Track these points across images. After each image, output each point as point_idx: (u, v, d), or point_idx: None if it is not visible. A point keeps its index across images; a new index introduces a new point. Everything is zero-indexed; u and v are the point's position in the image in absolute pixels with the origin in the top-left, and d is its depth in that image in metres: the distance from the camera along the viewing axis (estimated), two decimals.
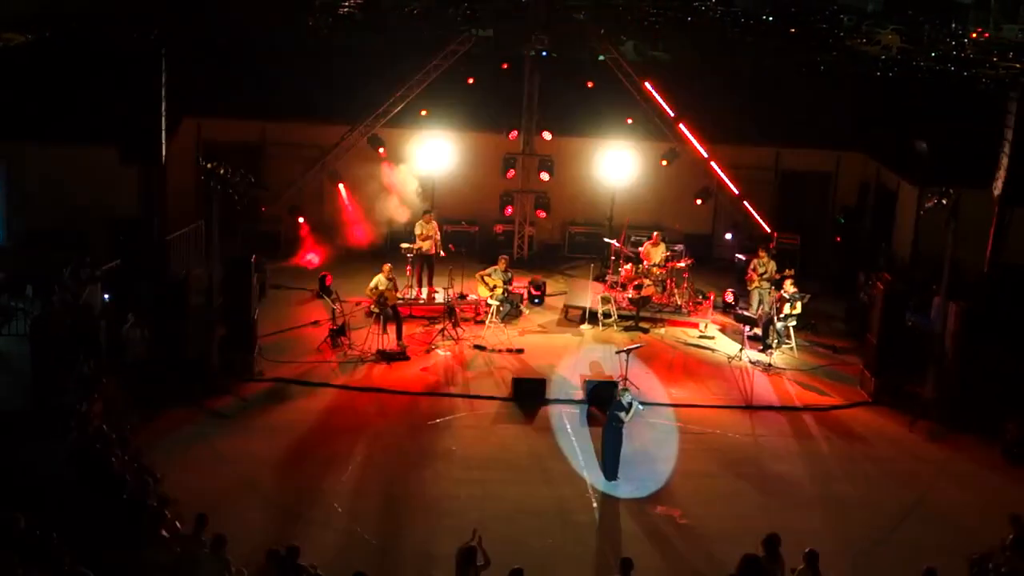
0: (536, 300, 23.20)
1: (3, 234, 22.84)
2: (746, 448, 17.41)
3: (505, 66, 25.84)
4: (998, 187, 18.42)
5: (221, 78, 26.33)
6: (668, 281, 22.81)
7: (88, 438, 13.62)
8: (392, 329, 20.23)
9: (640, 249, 23.13)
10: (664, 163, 25.67)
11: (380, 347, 19.95)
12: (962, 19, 65.37)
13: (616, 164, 24.61)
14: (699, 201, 26.12)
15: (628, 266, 22.82)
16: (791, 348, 21.15)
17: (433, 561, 13.54)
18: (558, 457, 16.71)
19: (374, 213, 24.70)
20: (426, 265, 22.18)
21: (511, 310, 22.25)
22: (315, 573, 11.64)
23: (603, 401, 17.51)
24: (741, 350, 20.80)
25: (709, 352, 21.15)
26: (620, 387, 16.76)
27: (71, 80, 24.58)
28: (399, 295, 21.02)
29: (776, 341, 20.97)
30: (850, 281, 23.21)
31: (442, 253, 22.14)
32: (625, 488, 15.76)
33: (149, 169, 18.40)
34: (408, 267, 22.22)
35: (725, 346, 21.35)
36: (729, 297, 23.30)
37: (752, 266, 22.33)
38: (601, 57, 26.27)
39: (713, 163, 25.63)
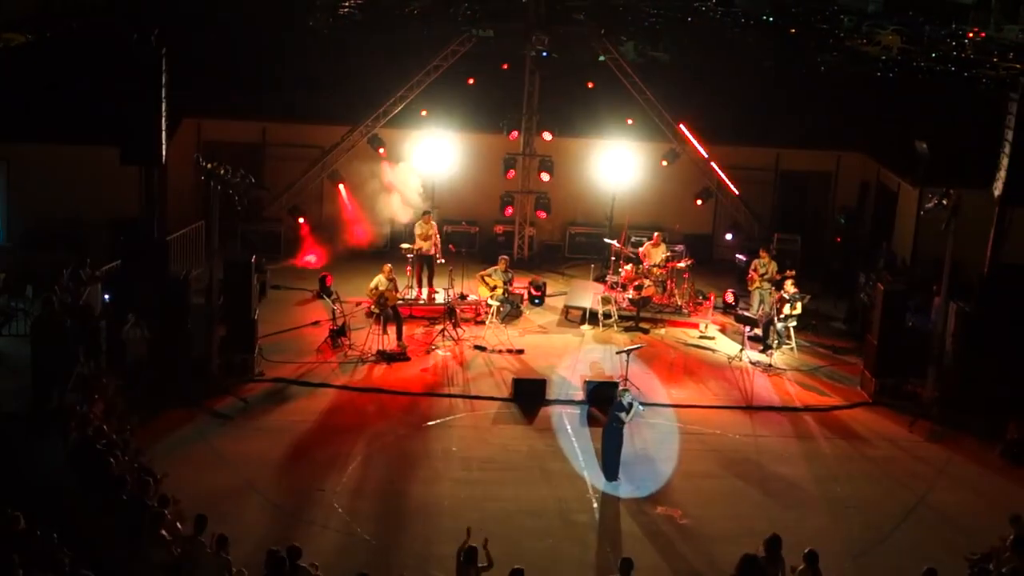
0: (536, 301, 23.20)
1: (3, 234, 22.86)
2: (746, 448, 17.41)
3: (505, 66, 25.84)
4: (998, 187, 18.40)
5: (221, 78, 26.36)
6: (668, 282, 22.80)
7: (88, 438, 13.61)
8: (392, 329, 20.23)
9: (640, 249, 23.12)
10: (664, 163, 25.67)
11: (380, 347, 19.94)
12: (962, 19, 65.43)
13: (616, 164, 24.58)
14: (699, 201, 26.12)
15: (628, 266, 22.81)
16: (791, 348, 21.15)
17: (433, 561, 13.54)
18: (558, 457, 16.72)
19: (374, 213, 24.73)
20: (426, 265, 22.17)
21: (511, 310, 22.25)
22: (315, 573, 11.64)
23: (603, 401, 17.53)
24: (741, 350, 20.79)
25: (709, 352, 21.14)
26: (620, 387, 16.76)
27: (71, 80, 24.67)
28: (399, 295, 21.02)
29: (776, 342, 20.97)
30: (850, 281, 23.22)
31: (442, 260, 22.15)
32: (625, 488, 15.76)
33: (149, 169, 18.36)
34: (408, 267, 22.22)
35: (725, 346, 21.34)
36: (729, 297, 23.30)
37: (753, 266, 22.33)
38: (601, 57, 26.27)
39: (713, 163, 25.63)
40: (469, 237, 25.48)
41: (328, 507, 14.92)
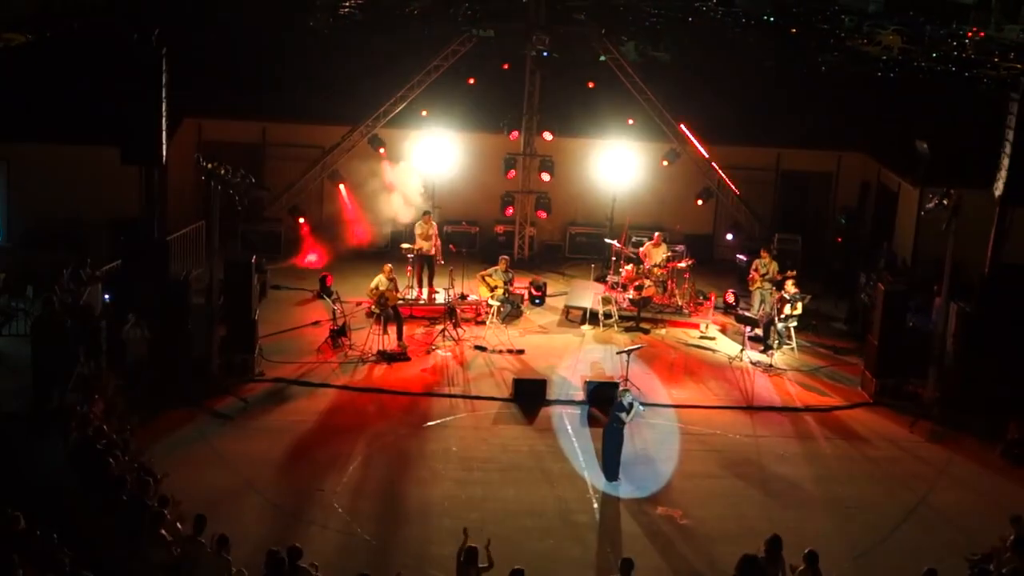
0: (537, 301, 23.19)
1: (3, 234, 22.86)
2: (747, 449, 17.40)
3: (505, 66, 25.83)
4: (999, 187, 18.39)
5: (221, 78, 26.36)
6: (669, 282, 22.78)
7: (88, 438, 13.61)
8: (393, 329, 20.22)
9: (641, 250, 23.11)
10: (665, 163, 25.65)
11: (381, 348, 19.94)
12: (963, 19, 65.47)
13: (617, 164, 24.57)
14: (700, 202, 26.10)
15: (629, 267, 22.80)
16: (792, 349, 21.14)
17: (433, 561, 13.53)
18: (559, 458, 16.71)
19: (374, 213, 24.72)
20: (426, 265, 22.17)
21: (512, 311, 22.25)
22: (315, 574, 11.63)
23: (604, 402, 17.52)
24: (742, 351, 20.78)
25: (710, 353, 21.13)
26: (621, 388, 16.74)
27: (72, 80, 24.67)
28: (400, 295, 21.01)
29: (777, 342, 20.96)
30: (851, 282, 23.21)
31: (442, 260, 22.15)
32: (626, 488, 15.75)
33: (149, 169, 18.34)
34: (408, 267, 22.23)
35: (726, 347, 21.33)
36: (730, 298, 23.29)
37: (754, 266, 22.32)
38: (602, 57, 26.26)
39: (714, 163, 25.62)
40: (469, 237, 25.47)
41: (328, 507, 14.91)
